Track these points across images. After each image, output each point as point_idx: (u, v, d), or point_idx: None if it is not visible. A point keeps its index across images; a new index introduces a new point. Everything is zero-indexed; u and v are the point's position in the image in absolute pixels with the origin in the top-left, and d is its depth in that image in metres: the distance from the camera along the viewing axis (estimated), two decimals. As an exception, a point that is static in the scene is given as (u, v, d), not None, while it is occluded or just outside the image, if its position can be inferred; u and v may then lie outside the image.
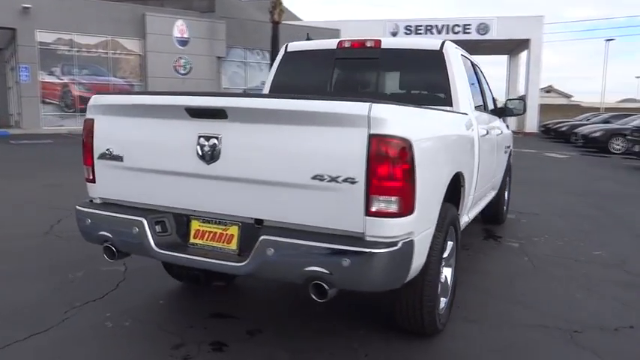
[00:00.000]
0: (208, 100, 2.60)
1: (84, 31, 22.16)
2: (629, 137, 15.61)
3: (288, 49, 4.52)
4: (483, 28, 32.12)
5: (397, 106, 2.38)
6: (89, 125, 2.95)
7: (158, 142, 2.74)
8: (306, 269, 2.36)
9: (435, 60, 3.94)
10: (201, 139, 2.57)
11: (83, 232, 3.04)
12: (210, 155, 2.55)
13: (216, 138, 2.54)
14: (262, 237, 2.44)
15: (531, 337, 3.26)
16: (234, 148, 2.52)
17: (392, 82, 4.40)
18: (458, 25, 32.55)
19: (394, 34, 33.40)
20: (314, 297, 2.40)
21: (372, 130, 2.25)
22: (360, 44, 4.19)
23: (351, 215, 2.34)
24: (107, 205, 2.98)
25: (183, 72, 24.41)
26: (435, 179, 2.77)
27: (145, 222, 2.74)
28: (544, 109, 36.82)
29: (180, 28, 24.15)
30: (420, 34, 33.12)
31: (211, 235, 2.71)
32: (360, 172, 2.28)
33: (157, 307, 3.62)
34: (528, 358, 3.03)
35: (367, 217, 2.31)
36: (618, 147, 18.68)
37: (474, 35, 31.94)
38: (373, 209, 2.30)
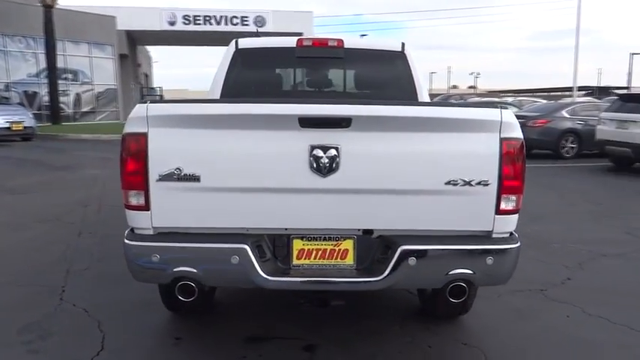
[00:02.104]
0: (331, 109, 2.40)
1: None
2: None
3: (240, 46, 4.23)
4: (260, 20, 33.19)
5: (510, 110, 2.58)
6: (139, 141, 2.40)
7: (253, 157, 2.43)
8: (450, 272, 2.45)
9: (398, 60, 4.19)
10: (316, 151, 2.38)
11: (144, 271, 2.49)
12: (329, 167, 2.39)
13: (336, 148, 2.39)
14: (402, 247, 2.42)
15: (522, 301, 3.86)
16: (356, 159, 2.41)
17: (357, 81, 4.49)
18: (236, 17, 33.07)
19: (172, 24, 32.26)
20: (451, 299, 2.50)
21: (503, 133, 2.44)
22: (322, 43, 4.18)
23: (482, 215, 2.49)
24: (174, 235, 2.49)
25: None
26: None
27: (247, 248, 2.41)
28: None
29: None
30: (199, 24, 32.68)
31: (320, 252, 2.54)
32: (493, 174, 2.45)
33: (179, 345, 3.16)
34: (538, 317, 3.61)
35: (497, 216, 2.50)
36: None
37: (252, 27, 32.77)
38: (502, 208, 2.49)
